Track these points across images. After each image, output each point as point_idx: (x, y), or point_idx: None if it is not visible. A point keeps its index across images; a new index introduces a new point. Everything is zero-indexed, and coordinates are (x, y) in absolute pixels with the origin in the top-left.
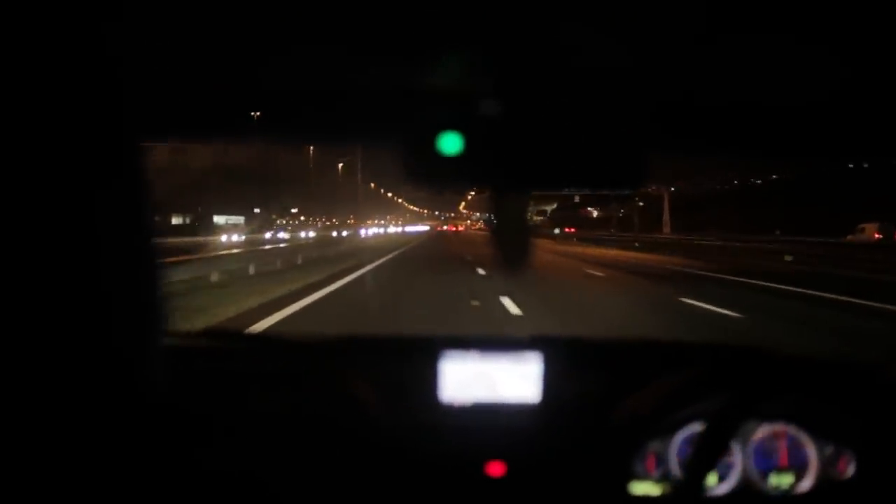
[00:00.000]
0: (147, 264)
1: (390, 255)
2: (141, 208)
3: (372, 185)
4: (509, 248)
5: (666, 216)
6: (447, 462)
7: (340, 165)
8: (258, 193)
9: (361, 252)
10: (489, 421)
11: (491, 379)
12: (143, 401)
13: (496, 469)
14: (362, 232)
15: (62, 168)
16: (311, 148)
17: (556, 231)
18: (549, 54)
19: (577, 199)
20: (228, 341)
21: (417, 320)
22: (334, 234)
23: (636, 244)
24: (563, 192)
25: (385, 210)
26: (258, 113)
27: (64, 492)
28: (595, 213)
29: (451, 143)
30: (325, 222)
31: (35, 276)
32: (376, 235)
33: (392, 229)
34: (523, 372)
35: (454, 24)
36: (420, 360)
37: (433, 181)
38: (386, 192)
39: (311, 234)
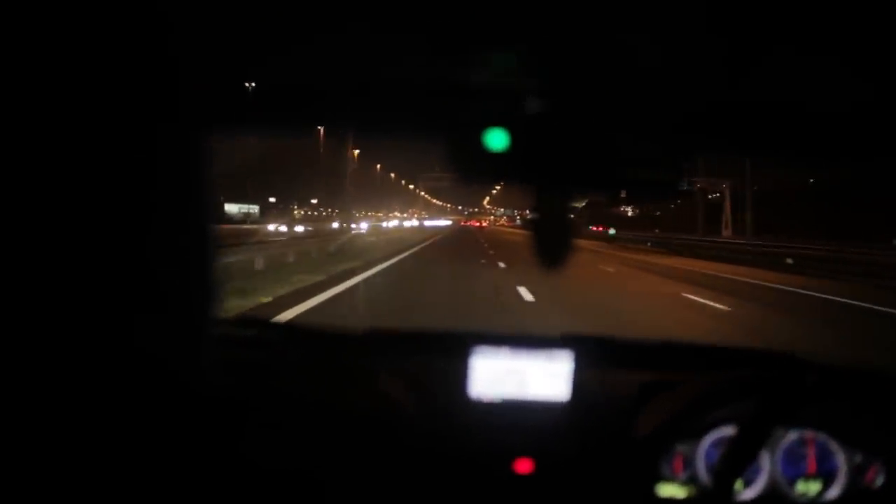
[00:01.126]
0: (201, 251)
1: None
2: (200, 195)
3: (392, 175)
4: (551, 251)
5: (727, 216)
6: (476, 458)
7: (356, 152)
8: (278, 183)
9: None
10: (518, 418)
11: (521, 376)
12: (194, 391)
13: (524, 466)
14: (354, 227)
15: (126, 156)
16: (322, 130)
17: (612, 231)
18: (597, 53)
19: (623, 193)
20: (258, 330)
21: None
22: (298, 228)
23: (788, 260)
24: (605, 193)
25: (405, 202)
26: (252, 83)
27: (109, 478)
28: (630, 212)
29: (496, 140)
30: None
31: (95, 263)
32: (378, 231)
33: (409, 223)
34: (554, 370)
35: (500, 20)
36: (450, 355)
37: (473, 177)
38: (407, 184)
39: (283, 227)
